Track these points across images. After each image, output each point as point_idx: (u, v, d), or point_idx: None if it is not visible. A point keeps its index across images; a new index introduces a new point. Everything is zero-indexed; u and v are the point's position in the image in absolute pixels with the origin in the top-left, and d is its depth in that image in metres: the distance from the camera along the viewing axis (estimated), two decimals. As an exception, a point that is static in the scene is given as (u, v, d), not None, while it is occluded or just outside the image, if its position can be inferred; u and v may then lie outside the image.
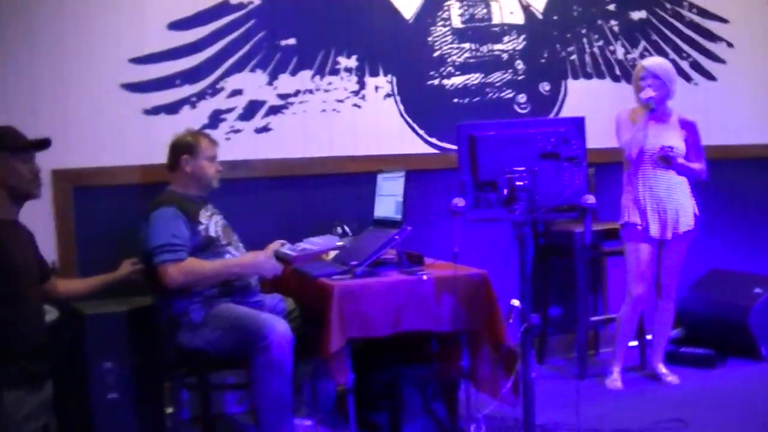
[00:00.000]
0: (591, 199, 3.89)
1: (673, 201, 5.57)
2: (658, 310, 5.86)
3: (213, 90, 5.42)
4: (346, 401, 4.36)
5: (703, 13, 7.04)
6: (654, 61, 5.73)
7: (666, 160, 5.50)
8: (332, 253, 4.92)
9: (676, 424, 4.90)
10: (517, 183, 3.81)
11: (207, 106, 5.41)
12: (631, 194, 5.60)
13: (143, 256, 4.48)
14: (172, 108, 5.32)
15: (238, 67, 5.49)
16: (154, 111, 5.28)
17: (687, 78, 6.94)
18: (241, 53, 5.49)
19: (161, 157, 4.76)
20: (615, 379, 5.73)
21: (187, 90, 5.36)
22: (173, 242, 4.32)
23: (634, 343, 6.11)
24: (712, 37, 7.10)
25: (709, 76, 7.09)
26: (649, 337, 6.05)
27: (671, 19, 6.91)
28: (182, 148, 4.59)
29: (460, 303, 4.33)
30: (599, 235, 5.98)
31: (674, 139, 5.58)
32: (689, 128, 5.71)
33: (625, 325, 5.76)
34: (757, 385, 5.70)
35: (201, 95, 5.39)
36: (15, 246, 3.64)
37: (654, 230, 5.56)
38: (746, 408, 5.22)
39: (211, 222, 4.52)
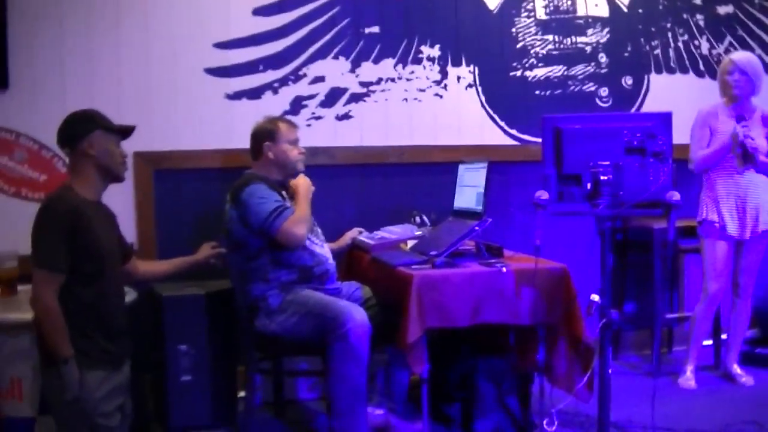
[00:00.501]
0: (676, 195, 3.86)
1: (753, 199, 5.48)
2: (734, 310, 5.79)
3: (296, 76, 5.46)
4: (419, 392, 4.34)
5: (792, 8, 6.92)
6: (742, 56, 5.64)
7: (748, 158, 5.41)
8: (410, 243, 4.92)
9: (750, 426, 4.82)
10: (602, 177, 3.79)
11: (289, 92, 5.45)
12: (710, 191, 5.52)
13: (227, 238, 4.52)
14: (255, 93, 5.37)
15: (321, 54, 5.52)
16: (237, 96, 5.33)
17: (771, 73, 6.83)
18: (324, 40, 5.52)
19: (242, 142, 4.81)
20: (689, 378, 5.67)
21: (270, 75, 5.40)
22: (279, 205, 4.37)
23: (709, 342, 6.04)
24: (799, 32, 6.97)
25: (796, 73, 6.96)
26: (724, 336, 5.97)
27: (758, 14, 6.79)
28: (263, 136, 4.61)
29: (539, 296, 4.30)
30: (677, 232, 5.91)
31: (757, 136, 5.48)
32: None
33: (700, 323, 5.69)
34: (835, 389, 5.60)
35: (284, 81, 5.43)
36: (100, 226, 3.68)
37: (732, 229, 5.49)
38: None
39: (288, 203, 4.54)
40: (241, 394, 4.94)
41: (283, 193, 4.54)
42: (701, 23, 6.59)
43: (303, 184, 4.57)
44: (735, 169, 5.45)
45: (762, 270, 5.80)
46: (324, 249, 4.63)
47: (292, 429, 4.95)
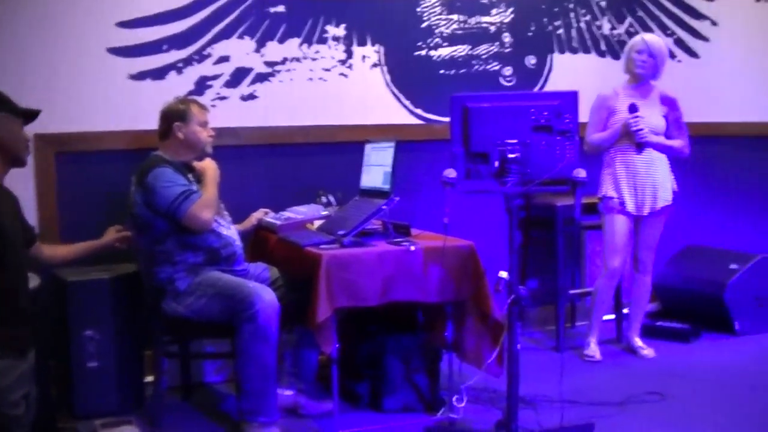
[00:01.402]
0: (582, 173, 3.93)
1: (651, 177, 5.62)
2: (635, 284, 5.93)
3: (200, 56, 5.39)
4: (328, 371, 4.35)
5: (689, -10, 7.07)
6: (655, 39, 5.78)
7: (641, 145, 5.53)
8: (317, 223, 4.91)
9: (652, 397, 4.94)
10: (509, 155, 3.84)
11: (194, 72, 5.38)
12: (611, 168, 5.64)
13: (133, 222, 4.47)
14: (159, 73, 5.29)
15: (226, 34, 5.45)
16: (141, 76, 5.24)
17: (671, 55, 6.93)
18: (229, 19, 5.46)
19: (147, 123, 4.76)
20: (593, 351, 5.78)
21: (174, 55, 5.32)
22: (186, 189, 4.35)
23: (611, 316, 6.16)
24: (697, 14, 7.10)
25: (693, 54, 7.11)
26: (625, 310, 6.10)
27: (658, -4, 6.94)
28: (174, 116, 4.56)
29: (447, 274, 4.34)
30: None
31: (654, 116, 5.62)
32: (670, 104, 5.75)
33: (601, 297, 5.81)
34: (730, 359, 5.77)
35: (188, 61, 5.36)
36: (2, 210, 3.60)
37: (630, 206, 5.61)
38: (719, 381, 5.30)
39: (194, 187, 4.50)
40: (149, 378, 4.89)
41: (189, 176, 4.50)
42: (603, 4, 6.68)
43: (210, 167, 4.55)
44: (633, 149, 5.57)
45: (661, 245, 5.93)
46: (231, 230, 4.61)
47: (201, 412, 4.91)
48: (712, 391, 5.13)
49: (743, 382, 5.26)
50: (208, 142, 4.62)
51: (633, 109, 5.48)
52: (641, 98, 5.61)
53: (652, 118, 5.59)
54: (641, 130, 5.48)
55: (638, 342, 5.92)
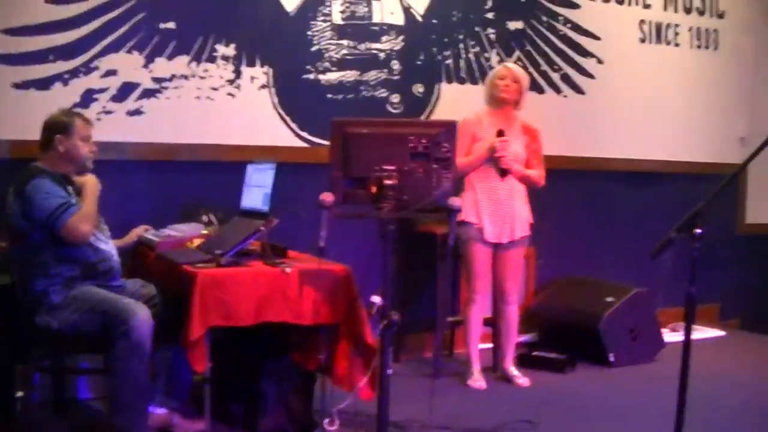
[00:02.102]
0: (458, 201, 3.98)
1: (511, 207, 5.72)
2: (503, 315, 5.98)
3: (87, 68, 5.33)
4: (202, 390, 4.34)
5: (577, 28, 7.22)
6: (517, 66, 5.95)
7: (504, 171, 5.63)
8: (197, 241, 4.90)
9: (524, 425, 5.00)
10: (387, 181, 3.87)
11: (80, 85, 5.31)
12: (471, 194, 5.70)
13: (9, 232, 4.39)
14: (44, 83, 5.21)
15: (114, 47, 5.40)
16: (25, 85, 5.16)
17: (557, 90, 7.11)
18: (118, 33, 5.40)
19: (29, 133, 4.67)
20: (477, 379, 5.85)
21: (61, 66, 5.25)
22: (65, 201, 4.28)
23: (489, 345, 6.24)
24: (584, 52, 7.28)
25: (578, 90, 7.27)
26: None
27: (546, 32, 7.07)
28: (56, 128, 4.47)
29: (321, 297, 4.36)
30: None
31: (516, 145, 5.72)
32: (532, 135, 5.86)
33: (473, 325, 5.88)
34: (604, 390, 5.88)
35: (74, 73, 5.29)
36: None
37: (489, 234, 5.69)
38: (593, 411, 5.41)
39: (73, 200, 4.45)
40: (20, 393, 4.80)
41: (69, 188, 4.45)
42: (492, 37, 6.80)
43: (90, 180, 4.50)
44: (495, 176, 5.67)
45: (541, 275, 6.03)
46: (109, 245, 4.56)
47: (73, 428, 4.85)
48: (583, 420, 5.23)
49: (614, 413, 5.38)
50: (89, 157, 4.55)
51: (500, 134, 5.57)
52: (504, 126, 5.69)
53: (514, 147, 5.69)
54: (505, 156, 5.58)
55: (513, 371, 5.98)
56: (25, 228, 4.30)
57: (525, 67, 6.72)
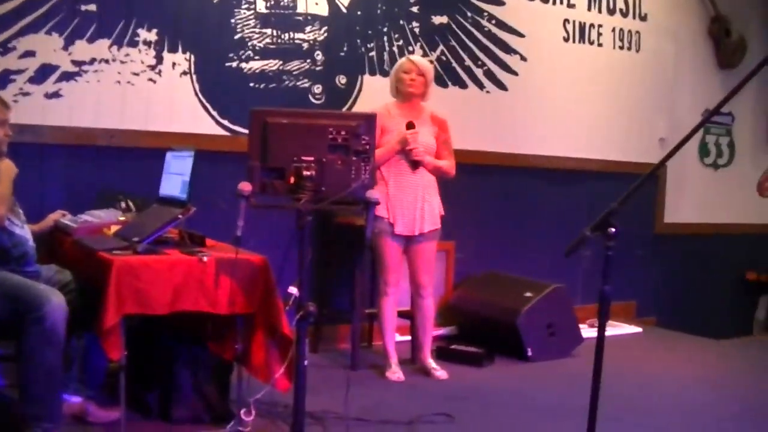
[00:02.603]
0: (376, 194, 3.99)
1: (421, 200, 5.76)
2: (418, 309, 6.01)
3: (4, 48, 5.25)
4: (117, 379, 4.30)
5: (501, 25, 7.27)
6: (422, 59, 6.00)
7: (416, 163, 5.67)
8: (114, 228, 4.84)
9: (440, 418, 5.02)
10: (305, 172, 3.87)
11: (-4, 65, 5.24)
12: (382, 189, 5.70)
13: None
14: (-43, 64, 5.13)
15: (33, 28, 5.32)
16: (-63, 65, 5.08)
17: (480, 86, 7.16)
18: (38, 13, 5.33)
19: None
20: (395, 372, 5.86)
21: (-24, 47, 5.17)
22: None
23: (407, 337, 6.26)
24: (508, 48, 7.33)
25: (501, 86, 7.32)
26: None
27: (470, 27, 7.10)
28: None
29: (238, 286, 4.34)
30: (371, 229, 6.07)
31: (426, 136, 5.77)
32: (441, 125, 5.91)
33: (386, 317, 5.92)
34: (521, 384, 5.94)
35: (-9, 53, 5.21)
36: None
37: (401, 226, 5.73)
38: (510, 405, 5.46)
39: None
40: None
41: None
42: (416, 30, 6.82)
43: (5, 163, 4.42)
44: (406, 169, 5.71)
45: (461, 270, 6.06)
46: (24, 230, 4.48)
47: (-19, 417, 4.77)
48: (499, 414, 5.27)
49: (531, 406, 5.44)
50: (4, 141, 4.45)
51: (410, 126, 5.61)
52: (413, 118, 5.73)
53: (424, 137, 5.73)
54: (417, 147, 5.62)
55: (431, 363, 6.00)
56: None
57: (448, 62, 6.81)
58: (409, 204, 5.72)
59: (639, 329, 8.00)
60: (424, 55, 6.76)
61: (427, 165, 5.73)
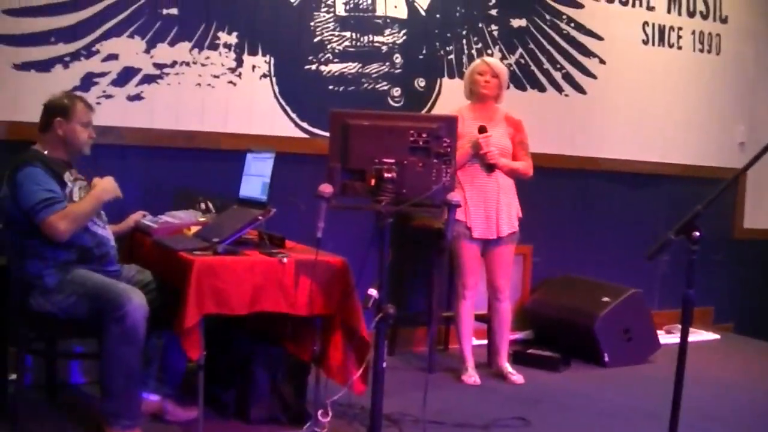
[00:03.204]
0: (457, 196, 3.97)
1: (499, 203, 5.74)
2: (495, 312, 5.98)
3: (88, 52, 5.31)
4: (195, 378, 4.33)
5: (580, 27, 7.22)
6: (496, 60, 6.01)
7: (491, 167, 5.65)
8: (194, 228, 4.89)
9: (516, 422, 5.00)
10: (386, 174, 3.86)
11: (80, 68, 5.30)
12: (459, 193, 5.65)
13: (2, 214, 4.37)
14: (44, 65, 5.19)
15: (116, 31, 5.38)
16: (25, 67, 5.15)
17: (559, 89, 7.11)
18: (121, 17, 5.39)
19: (28, 114, 4.68)
20: (471, 375, 5.84)
21: (62, 49, 5.23)
22: (51, 196, 4.23)
23: (484, 341, 6.24)
24: (586, 51, 7.28)
25: (580, 89, 7.26)
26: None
27: (549, 30, 7.06)
28: (56, 110, 4.45)
29: (317, 288, 4.35)
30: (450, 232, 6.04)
31: (500, 137, 5.74)
32: (516, 126, 5.88)
33: (464, 321, 5.90)
34: (597, 390, 5.88)
35: (75, 56, 5.27)
36: None
37: (478, 231, 5.71)
38: (585, 410, 5.41)
39: (75, 186, 4.43)
40: (13, 376, 4.78)
41: (67, 174, 4.42)
42: (495, 34, 6.80)
43: (103, 186, 4.47)
44: (482, 173, 5.69)
45: (537, 274, 6.02)
46: (106, 231, 4.55)
47: (65, 412, 4.83)
48: (576, 419, 5.23)
49: (607, 413, 5.38)
50: (87, 143, 4.52)
51: (482, 130, 5.59)
52: (487, 120, 5.71)
53: (499, 140, 5.71)
54: (491, 150, 5.60)
55: (508, 368, 5.97)
56: (16, 212, 4.28)
57: (527, 65, 6.78)
58: (487, 207, 5.70)
59: (717, 336, 7.88)
60: (503, 58, 6.73)
61: (503, 167, 5.71)
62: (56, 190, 4.29)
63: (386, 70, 6.35)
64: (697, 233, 3.34)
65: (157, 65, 5.53)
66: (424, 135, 3.95)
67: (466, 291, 5.82)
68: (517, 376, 5.91)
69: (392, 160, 3.90)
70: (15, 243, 4.35)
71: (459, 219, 5.63)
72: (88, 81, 5.33)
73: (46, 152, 4.43)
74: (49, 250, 4.30)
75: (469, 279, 5.80)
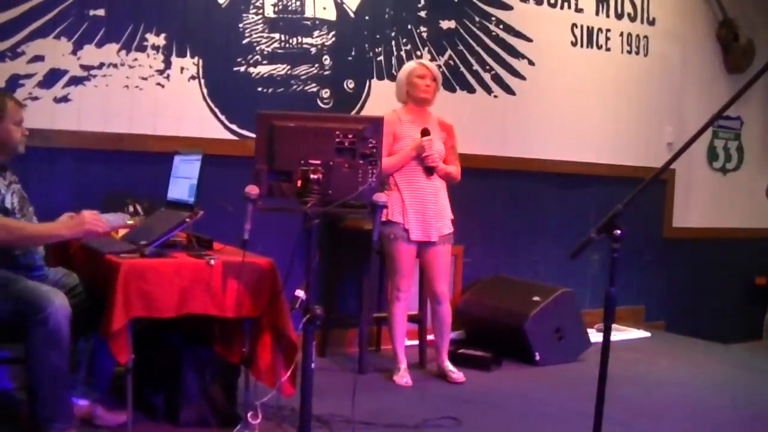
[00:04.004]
0: (383, 197, 3.98)
1: (435, 204, 5.77)
2: (435, 315, 6.00)
3: (13, 53, 5.27)
4: (124, 381, 4.30)
5: (509, 29, 7.28)
6: (433, 64, 6.03)
7: (430, 169, 5.69)
8: (122, 231, 4.85)
9: (447, 422, 5.02)
10: (312, 176, 3.88)
11: (5, 69, 5.26)
12: (396, 195, 5.73)
13: None
14: (-33, 67, 5.14)
15: (42, 33, 5.34)
16: (-53, 68, 5.10)
17: (488, 90, 7.16)
18: (46, 18, 5.35)
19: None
20: (403, 376, 5.85)
21: (-15, 51, 5.19)
22: None
23: (415, 342, 6.27)
24: (515, 53, 7.34)
25: (509, 90, 7.32)
26: (430, 337, 6.19)
27: (478, 32, 7.11)
28: None
29: (245, 290, 4.34)
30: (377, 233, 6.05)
31: (436, 142, 5.78)
32: (448, 131, 5.94)
33: (397, 322, 5.91)
34: (528, 388, 5.94)
35: (0, 57, 5.23)
36: None
37: (415, 233, 5.73)
38: (517, 409, 5.45)
39: (9, 192, 4.36)
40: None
41: (5, 174, 4.36)
42: (424, 35, 6.84)
43: (75, 221, 4.35)
44: (420, 175, 5.72)
45: (469, 274, 6.06)
46: None
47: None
48: (507, 418, 5.27)
49: (538, 410, 5.43)
50: (22, 141, 4.45)
51: (425, 133, 5.63)
52: (424, 124, 5.75)
53: (436, 144, 5.75)
54: (432, 154, 5.64)
55: (449, 366, 6.00)
56: None
57: (456, 67, 6.85)
58: (425, 210, 5.73)
59: (647, 334, 7.98)
60: (432, 59, 6.77)
61: (440, 171, 5.74)
62: None
63: (315, 71, 6.36)
64: (618, 231, 3.38)
65: (84, 67, 5.50)
66: (350, 136, 3.98)
67: (400, 293, 5.83)
68: (458, 374, 5.94)
69: (318, 162, 3.92)
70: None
71: (396, 221, 5.69)
72: (14, 83, 5.28)
73: None
74: (-29, 253, 4.24)
75: (403, 282, 5.82)
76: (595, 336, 7.00)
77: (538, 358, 6.51)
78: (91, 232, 4.31)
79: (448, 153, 5.87)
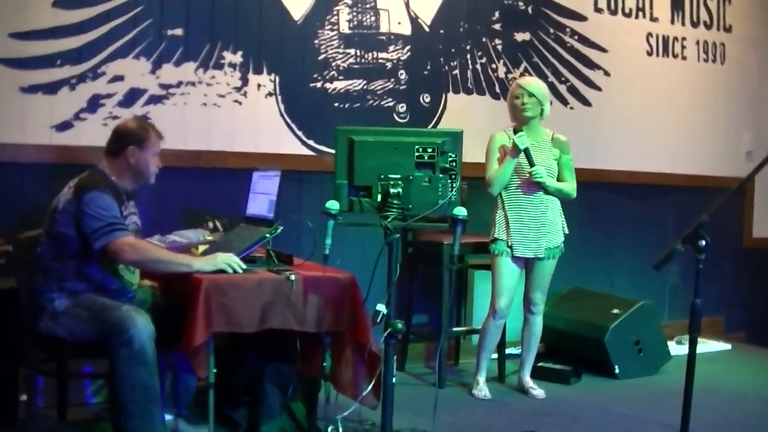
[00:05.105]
0: (463, 211, 3.97)
1: (542, 220, 5.70)
2: (527, 325, 5.98)
3: (94, 74, 5.35)
4: (206, 396, 4.33)
5: (584, 40, 7.25)
6: (530, 80, 5.90)
7: (536, 185, 5.64)
8: (202, 247, 4.89)
9: (525, 435, 5.00)
10: (392, 190, 3.88)
11: (86, 90, 5.33)
12: (501, 211, 5.70)
13: (48, 227, 4.34)
14: (51, 88, 5.22)
15: (121, 53, 5.42)
16: (32, 89, 5.18)
17: (564, 101, 7.13)
18: (126, 39, 5.43)
19: (35, 136, 4.71)
20: (481, 389, 5.83)
21: (68, 71, 5.27)
22: (119, 221, 4.23)
23: (495, 355, 6.24)
24: (591, 64, 7.30)
25: (585, 102, 7.29)
26: (513, 350, 6.17)
27: (553, 44, 7.08)
28: (131, 138, 4.43)
29: (326, 304, 4.34)
30: (467, 249, 6.04)
31: (546, 158, 5.72)
32: (562, 147, 5.85)
33: (488, 338, 5.87)
34: (608, 402, 5.87)
35: (81, 78, 5.31)
36: None
37: (520, 250, 5.67)
38: (597, 422, 5.40)
39: (128, 222, 4.43)
40: (23, 397, 4.78)
41: (124, 206, 4.41)
42: (499, 48, 6.82)
43: (213, 258, 4.34)
44: (525, 190, 5.66)
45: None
46: (134, 275, 4.54)
47: (76, 432, 4.85)
48: (586, 431, 5.23)
49: (618, 423, 5.38)
50: (154, 173, 4.53)
51: (517, 131, 5.57)
52: (533, 141, 5.68)
53: (545, 160, 5.69)
54: (534, 170, 5.57)
55: (530, 382, 5.98)
56: (67, 231, 4.25)
57: (531, 78, 6.78)
58: (529, 226, 5.68)
59: (728, 345, 7.86)
60: (507, 72, 6.75)
61: (549, 188, 5.67)
62: (119, 217, 4.27)
63: (391, 86, 6.38)
64: (703, 242, 3.35)
65: (162, 86, 5.57)
66: (429, 150, 3.97)
67: (497, 310, 5.76)
68: (539, 391, 5.91)
69: (398, 176, 3.92)
70: (43, 257, 4.33)
71: (501, 238, 5.66)
72: (95, 103, 5.37)
73: (113, 178, 4.43)
74: (71, 280, 4.29)
75: (501, 298, 5.75)
76: (675, 348, 6.92)
77: (617, 371, 6.46)
78: (222, 270, 4.31)
79: (562, 170, 5.82)
